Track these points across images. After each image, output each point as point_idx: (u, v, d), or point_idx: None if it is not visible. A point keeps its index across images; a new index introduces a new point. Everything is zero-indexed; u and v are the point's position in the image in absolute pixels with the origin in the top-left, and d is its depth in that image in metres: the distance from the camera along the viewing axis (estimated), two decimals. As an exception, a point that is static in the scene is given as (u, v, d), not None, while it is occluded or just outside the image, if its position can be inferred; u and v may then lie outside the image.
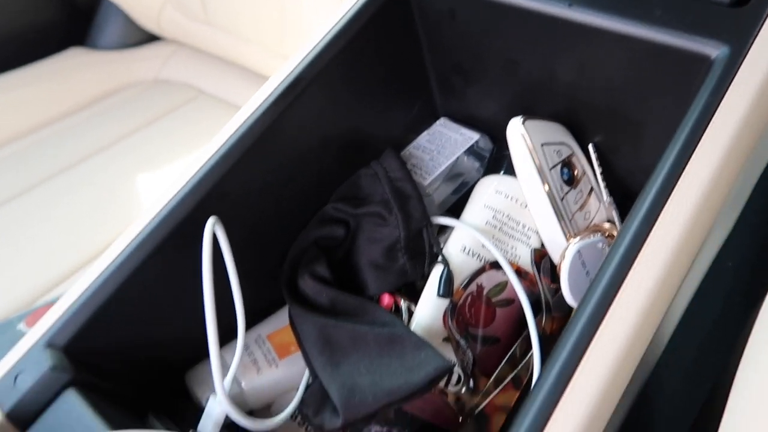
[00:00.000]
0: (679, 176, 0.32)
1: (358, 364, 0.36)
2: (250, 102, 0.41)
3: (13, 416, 0.33)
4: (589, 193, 0.45)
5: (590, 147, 0.44)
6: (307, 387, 0.43)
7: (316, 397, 0.38)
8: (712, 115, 0.32)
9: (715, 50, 0.34)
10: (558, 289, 0.42)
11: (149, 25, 1.06)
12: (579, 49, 0.39)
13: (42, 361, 0.33)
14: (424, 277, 0.43)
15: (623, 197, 0.45)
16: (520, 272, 0.43)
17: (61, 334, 0.35)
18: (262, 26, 0.84)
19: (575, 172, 0.44)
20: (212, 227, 0.36)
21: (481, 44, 0.44)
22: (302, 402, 0.39)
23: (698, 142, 0.32)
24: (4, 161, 0.86)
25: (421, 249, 0.44)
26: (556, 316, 0.41)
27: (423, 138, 0.51)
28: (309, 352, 0.38)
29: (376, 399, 0.34)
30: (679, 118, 0.34)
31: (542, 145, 0.42)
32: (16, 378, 0.33)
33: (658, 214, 0.31)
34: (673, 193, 0.31)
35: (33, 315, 0.64)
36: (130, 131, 0.89)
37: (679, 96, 0.36)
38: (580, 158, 0.45)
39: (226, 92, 0.97)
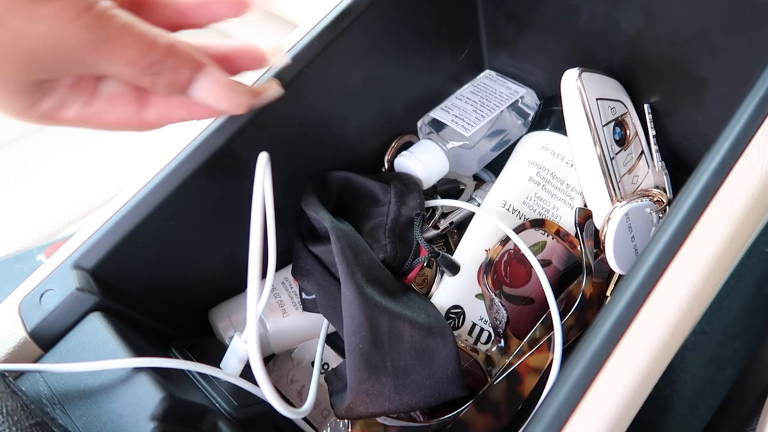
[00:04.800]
0: (745, 148, 0.29)
1: (385, 359, 0.33)
2: (294, 32, 0.39)
3: (36, 335, 0.32)
4: (639, 157, 0.42)
5: (646, 107, 0.42)
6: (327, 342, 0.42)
7: (337, 377, 0.36)
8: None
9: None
10: (599, 253, 0.40)
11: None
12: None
13: (69, 281, 0.32)
14: (405, 268, 0.40)
15: (672, 164, 0.43)
16: (560, 233, 0.41)
17: (88, 257, 0.33)
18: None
19: (627, 133, 0.42)
20: (264, 162, 0.33)
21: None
22: (325, 377, 0.38)
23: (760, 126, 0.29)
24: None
25: (409, 239, 0.40)
26: (596, 280, 0.39)
27: (467, 89, 0.49)
28: (347, 323, 0.35)
29: (389, 405, 0.33)
30: (749, 81, 0.31)
31: (597, 99, 0.39)
32: (41, 296, 0.32)
33: (719, 187, 0.28)
34: (737, 165, 0.29)
35: (53, 247, 0.63)
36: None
37: (755, 55, 0.33)
38: (633, 118, 0.42)
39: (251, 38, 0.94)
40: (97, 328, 0.32)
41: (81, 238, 0.34)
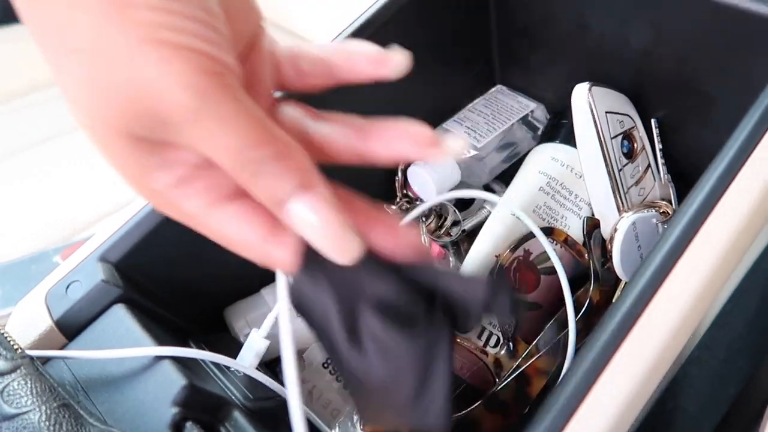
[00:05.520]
0: (745, 161, 0.30)
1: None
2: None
3: (61, 324, 0.33)
4: (646, 170, 0.44)
5: (653, 122, 0.43)
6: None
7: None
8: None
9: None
10: (606, 261, 0.41)
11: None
12: (659, 13, 0.37)
13: (94, 273, 0.33)
14: None
15: (677, 178, 0.44)
16: (567, 241, 0.42)
17: (113, 250, 0.35)
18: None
19: (635, 146, 0.43)
20: None
21: (553, 6, 0.43)
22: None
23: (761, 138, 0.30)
24: (47, 102, 0.86)
25: None
26: (603, 287, 0.40)
27: (479, 102, 0.50)
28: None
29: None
30: (754, 98, 0.32)
31: (606, 112, 0.41)
32: (68, 287, 0.34)
33: (719, 198, 0.29)
34: (737, 177, 0.30)
35: (69, 249, 0.64)
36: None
37: (760, 72, 0.35)
38: (641, 132, 0.44)
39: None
40: (120, 318, 0.33)
41: (107, 232, 0.35)
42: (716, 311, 0.37)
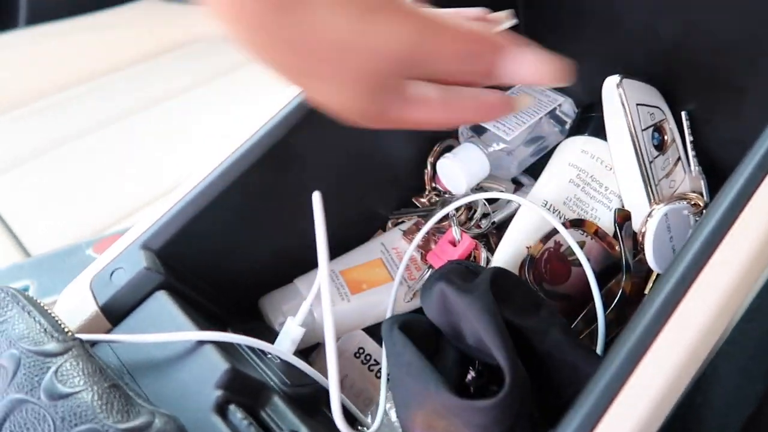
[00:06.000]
0: None
1: None
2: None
3: (106, 309, 0.34)
4: (676, 162, 0.44)
5: (683, 114, 0.43)
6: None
7: None
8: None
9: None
10: (637, 253, 0.41)
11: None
12: (689, 4, 0.38)
13: (137, 261, 0.34)
14: None
15: (708, 170, 0.44)
16: (598, 233, 0.42)
17: (155, 238, 0.36)
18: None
19: (665, 138, 0.43)
20: (319, 200, 0.36)
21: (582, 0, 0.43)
22: None
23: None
24: (84, 96, 0.88)
25: None
26: (635, 278, 0.40)
27: (507, 96, 0.51)
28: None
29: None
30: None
31: (637, 105, 0.41)
32: (112, 274, 0.35)
33: (754, 191, 0.29)
34: None
35: (102, 242, 0.66)
36: (204, 80, 0.91)
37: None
38: (671, 125, 0.44)
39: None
40: (163, 304, 0.34)
41: (149, 221, 0.36)
42: (745, 306, 0.37)
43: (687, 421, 0.48)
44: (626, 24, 0.42)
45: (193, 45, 1.02)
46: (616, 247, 0.41)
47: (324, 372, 0.45)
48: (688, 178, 0.44)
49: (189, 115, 0.86)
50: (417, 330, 0.32)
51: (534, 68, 0.28)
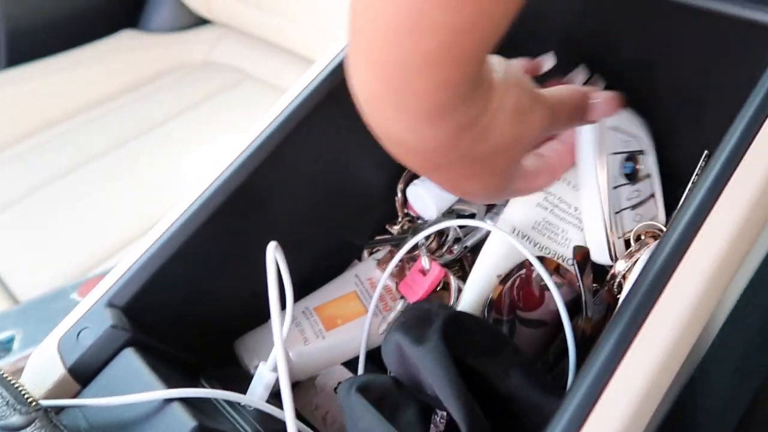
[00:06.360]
0: (737, 166, 0.30)
1: None
2: (298, 82, 0.42)
3: (74, 371, 0.34)
4: (649, 198, 0.43)
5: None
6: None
7: None
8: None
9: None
10: (599, 289, 0.41)
11: (200, 8, 1.08)
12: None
13: (103, 319, 0.34)
14: None
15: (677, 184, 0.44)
16: (559, 270, 0.42)
17: (120, 295, 0.36)
18: (311, 7, 0.85)
19: (638, 170, 0.43)
20: (273, 251, 0.36)
21: (535, 14, 0.43)
22: None
23: (759, 130, 0.30)
24: (59, 138, 0.88)
25: None
26: (594, 318, 0.40)
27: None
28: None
29: None
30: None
31: (610, 127, 0.41)
32: (78, 334, 0.35)
33: (713, 205, 0.29)
34: (730, 181, 0.30)
35: (86, 285, 0.66)
36: (179, 111, 0.91)
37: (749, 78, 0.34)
38: (649, 159, 0.43)
39: (273, 76, 0.98)
40: (130, 362, 0.34)
41: (113, 277, 0.36)
42: (730, 308, 0.37)
43: (680, 426, 0.48)
44: (582, 40, 0.42)
45: (171, 74, 1.02)
46: (577, 284, 0.41)
47: (304, 409, 0.45)
48: (660, 217, 0.44)
49: (171, 147, 0.86)
50: (375, 390, 0.32)
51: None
